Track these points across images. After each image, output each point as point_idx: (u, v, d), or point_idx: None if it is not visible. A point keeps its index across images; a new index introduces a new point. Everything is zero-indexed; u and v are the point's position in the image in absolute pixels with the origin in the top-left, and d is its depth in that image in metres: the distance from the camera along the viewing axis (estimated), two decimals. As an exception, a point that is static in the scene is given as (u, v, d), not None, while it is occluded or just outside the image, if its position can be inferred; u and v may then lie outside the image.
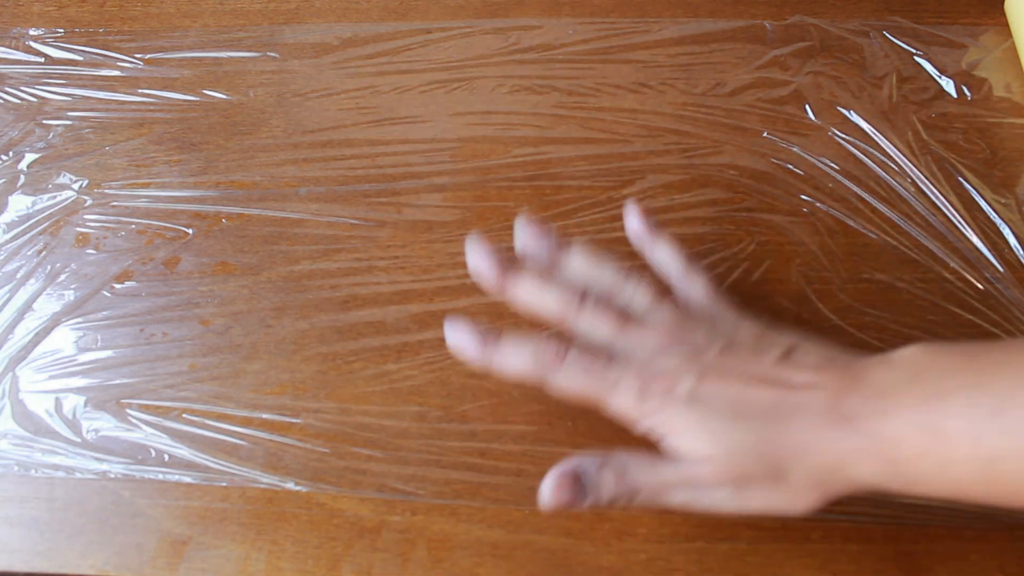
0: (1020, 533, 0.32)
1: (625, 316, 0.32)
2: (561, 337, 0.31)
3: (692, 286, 0.34)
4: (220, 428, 0.37)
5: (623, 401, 0.30)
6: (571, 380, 0.31)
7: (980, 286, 0.37)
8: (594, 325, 0.32)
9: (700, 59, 0.45)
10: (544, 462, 0.35)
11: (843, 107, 0.43)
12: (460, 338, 0.32)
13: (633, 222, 0.36)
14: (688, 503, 0.30)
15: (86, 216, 0.43)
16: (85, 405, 0.38)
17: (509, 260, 0.33)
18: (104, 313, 0.40)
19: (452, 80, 0.46)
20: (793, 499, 0.29)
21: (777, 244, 0.40)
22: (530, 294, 0.33)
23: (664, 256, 0.35)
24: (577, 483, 0.29)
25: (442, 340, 0.38)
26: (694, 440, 0.29)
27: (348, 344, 0.38)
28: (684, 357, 0.30)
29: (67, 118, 0.47)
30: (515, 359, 0.31)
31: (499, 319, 0.38)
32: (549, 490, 0.29)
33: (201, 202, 0.43)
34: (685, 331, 0.31)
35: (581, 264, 0.34)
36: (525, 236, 0.35)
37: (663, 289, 0.33)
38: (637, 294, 0.33)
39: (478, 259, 0.33)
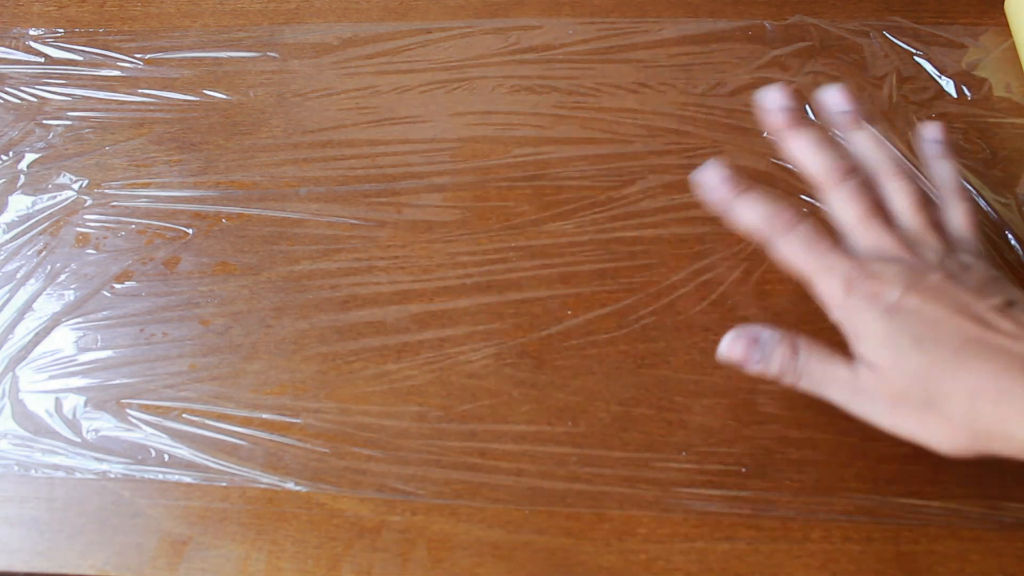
0: (1020, 533, 0.32)
1: (876, 209, 0.33)
2: (800, 208, 0.33)
3: (954, 210, 0.34)
4: (220, 428, 0.37)
5: (829, 289, 0.32)
6: (792, 250, 0.32)
7: (980, 286, 0.37)
8: (845, 204, 0.33)
9: (700, 59, 0.45)
10: (544, 462, 0.35)
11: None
12: (712, 178, 0.34)
13: (932, 134, 0.37)
14: (846, 404, 0.32)
15: (86, 216, 0.43)
16: (85, 405, 0.38)
17: (798, 114, 0.35)
18: (104, 313, 0.40)
19: (452, 80, 0.46)
20: (941, 433, 0.30)
21: (777, 244, 0.39)
22: (806, 147, 0.34)
23: (943, 173, 0.35)
24: (753, 345, 0.32)
25: (442, 340, 0.38)
26: (873, 348, 0.30)
27: (348, 344, 0.39)
28: (904, 269, 0.31)
29: (67, 118, 0.47)
30: (751, 213, 0.33)
31: (500, 320, 0.38)
32: (727, 343, 0.33)
33: (201, 202, 0.43)
34: (921, 247, 0.32)
35: (865, 144, 0.35)
36: (831, 98, 0.36)
37: (926, 201, 0.34)
38: (899, 194, 0.33)
39: (773, 95, 0.35)
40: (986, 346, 0.29)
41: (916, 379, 0.30)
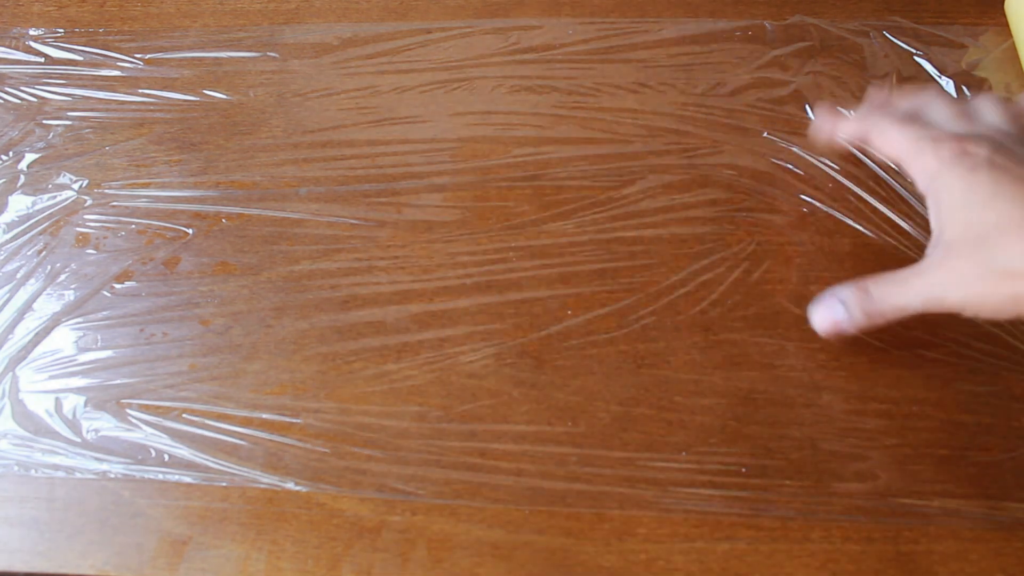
0: (1020, 533, 0.32)
1: (967, 111, 0.35)
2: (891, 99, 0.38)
3: None
4: (220, 428, 0.37)
5: (920, 155, 0.33)
6: (886, 130, 0.35)
7: (980, 286, 0.37)
8: (941, 106, 0.36)
9: (700, 59, 0.45)
10: (544, 462, 0.35)
11: (843, 107, 0.43)
12: (824, 120, 0.39)
13: None
14: (924, 303, 0.32)
15: (86, 216, 0.43)
16: (85, 405, 0.38)
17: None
18: (104, 313, 0.40)
19: (452, 80, 0.46)
20: (1008, 295, 0.30)
21: (777, 244, 0.40)
22: (911, 90, 0.38)
23: None
24: (835, 308, 0.34)
25: (442, 340, 0.38)
26: (950, 210, 0.32)
27: (348, 344, 0.39)
28: (995, 138, 0.33)
29: (67, 118, 0.47)
30: (850, 123, 0.38)
31: (500, 320, 0.38)
32: (817, 321, 0.36)
33: (201, 202, 0.43)
34: (1015, 140, 0.33)
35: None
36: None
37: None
38: (994, 108, 0.35)
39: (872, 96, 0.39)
40: None
41: (982, 237, 0.30)
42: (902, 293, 0.33)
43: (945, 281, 0.31)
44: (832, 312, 0.34)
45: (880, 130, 0.36)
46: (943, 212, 0.32)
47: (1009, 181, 0.31)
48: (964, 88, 0.43)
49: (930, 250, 0.33)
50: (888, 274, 0.33)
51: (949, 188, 0.32)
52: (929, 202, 0.33)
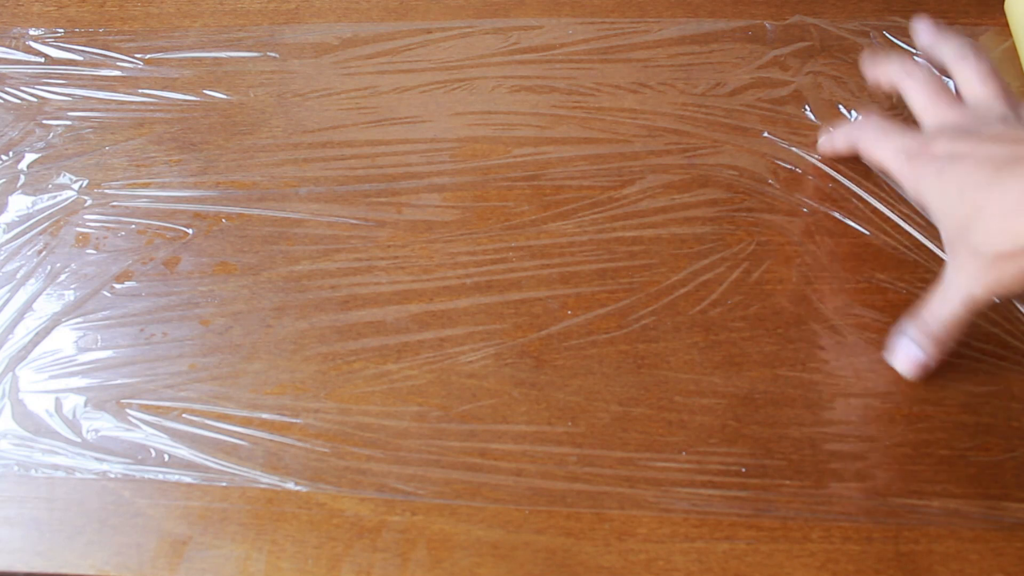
0: (1020, 533, 0.32)
1: (942, 92, 0.36)
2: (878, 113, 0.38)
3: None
4: (220, 428, 0.37)
5: (899, 167, 0.35)
6: (868, 143, 0.37)
7: (980, 286, 0.37)
8: (914, 94, 0.37)
9: (700, 59, 0.45)
10: (544, 462, 0.35)
11: (843, 107, 0.43)
12: (825, 141, 0.41)
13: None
14: (962, 299, 0.33)
15: (86, 216, 0.43)
16: (85, 405, 0.38)
17: (885, 57, 0.39)
18: (104, 313, 0.40)
19: (452, 80, 0.46)
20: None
21: (777, 244, 0.40)
22: (886, 67, 0.39)
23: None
24: (907, 347, 0.35)
25: (442, 340, 0.38)
26: (937, 214, 0.33)
27: (348, 344, 0.39)
28: (957, 129, 0.33)
29: (67, 118, 0.47)
30: (839, 138, 0.40)
31: (500, 320, 0.38)
32: (896, 363, 0.35)
33: (201, 202, 0.43)
34: (985, 112, 0.34)
35: (932, 45, 0.39)
36: (925, 34, 0.39)
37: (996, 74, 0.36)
38: (964, 68, 0.36)
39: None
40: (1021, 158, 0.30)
41: (966, 229, 0.31)
42: (945, 307, 0.33)
43: (965, 280, 0.32)
44: (908, 353, 0.35)
45: (864, 143, 0.37)
46: (934, 216, 0.34)
47: (972, 168, 0.31)
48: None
49: (945, 254, 0.34)
50: (931, 294, 0.34)
51: (929, 194, 0.33)
52: (923, 204, 0.35)
